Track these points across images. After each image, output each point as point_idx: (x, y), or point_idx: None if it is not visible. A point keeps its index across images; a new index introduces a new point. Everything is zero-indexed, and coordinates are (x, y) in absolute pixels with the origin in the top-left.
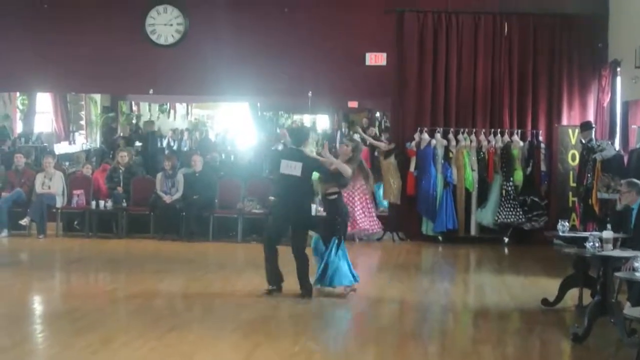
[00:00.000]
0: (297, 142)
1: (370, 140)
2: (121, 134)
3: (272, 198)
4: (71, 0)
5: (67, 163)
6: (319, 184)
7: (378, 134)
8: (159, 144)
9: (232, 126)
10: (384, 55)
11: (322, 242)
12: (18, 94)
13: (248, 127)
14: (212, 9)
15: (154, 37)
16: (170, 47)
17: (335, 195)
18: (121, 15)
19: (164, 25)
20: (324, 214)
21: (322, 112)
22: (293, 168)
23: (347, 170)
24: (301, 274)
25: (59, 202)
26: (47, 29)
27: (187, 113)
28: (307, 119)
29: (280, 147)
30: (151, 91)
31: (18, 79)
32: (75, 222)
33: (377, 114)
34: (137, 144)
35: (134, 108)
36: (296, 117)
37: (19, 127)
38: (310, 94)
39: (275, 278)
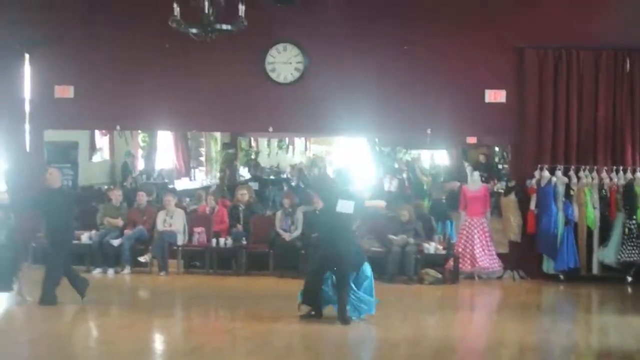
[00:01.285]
0: (346, 182)
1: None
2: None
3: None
4: (192, 40)
5: (187, 199)
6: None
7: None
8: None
9: (351, 162)
10: (504, 92)
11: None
12: (139, 130)
13: (366, 163)
14: (330, 47)
15: (273, 76)
16: (290, 85)
17: None
18: (241, 54)
19: (284, 64)
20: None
21: (440, 147)
22: (348, 207)
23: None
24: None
25: (180, 240)
26: (168, 68)
27: (306, 149)
28: (425, 155)
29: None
30: (270, 129)
31: (141, 117)
32: (195, 262)
33: (497, 149)
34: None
35: (253, 144)
36: (414, 152)
37: (140, 164)
38: (429, 131)
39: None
